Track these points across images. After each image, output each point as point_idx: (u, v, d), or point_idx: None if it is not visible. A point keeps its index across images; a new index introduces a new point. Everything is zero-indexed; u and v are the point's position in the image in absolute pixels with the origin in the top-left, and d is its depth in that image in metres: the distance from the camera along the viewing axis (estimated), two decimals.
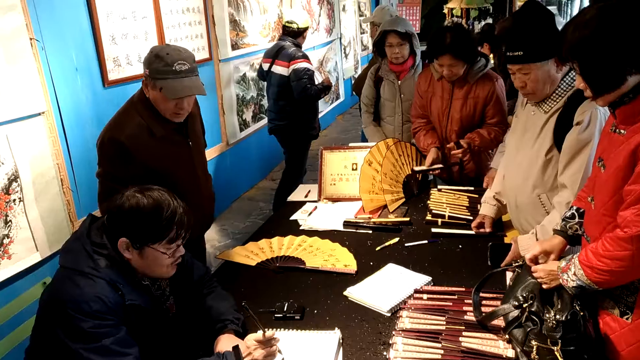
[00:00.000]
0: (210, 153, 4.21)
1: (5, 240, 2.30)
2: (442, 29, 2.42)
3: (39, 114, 2.47)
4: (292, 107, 3.83)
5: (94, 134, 2.89)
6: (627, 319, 1.27)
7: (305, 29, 3.93)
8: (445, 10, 6.94)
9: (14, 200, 2.34)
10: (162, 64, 1.76)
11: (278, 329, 1.49)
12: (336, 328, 1.48)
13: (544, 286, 1.36)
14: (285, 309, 1.58)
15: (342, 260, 1.89)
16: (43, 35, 2.50)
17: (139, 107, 1.90)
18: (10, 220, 2.32)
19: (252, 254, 2.00)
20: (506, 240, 1.98)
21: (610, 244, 1.20)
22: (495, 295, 1.56)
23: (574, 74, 1.63)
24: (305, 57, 3.80)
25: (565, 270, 1.31)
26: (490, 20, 8.10)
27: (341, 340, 1.44)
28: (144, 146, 1.84)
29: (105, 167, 1.90)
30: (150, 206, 1.30)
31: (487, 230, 2.02)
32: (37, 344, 1.38)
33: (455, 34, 2.34)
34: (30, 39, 2.40)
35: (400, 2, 10.28)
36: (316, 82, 3.80)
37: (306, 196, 2.63)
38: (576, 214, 1.45)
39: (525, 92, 1.73)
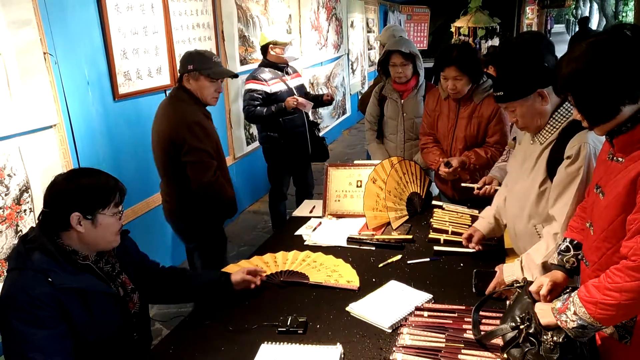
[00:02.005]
0: None
1: None
2: (450, 45, 2.53)
3: (51, 127, 2.53)
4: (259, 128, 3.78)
5: (103, 146, 2.97)
6: (625, 342, 1.28)
7: (267, 44, 3.58)
8: (453, 29, 7.01)
9: (25, 210, 2.38)
10: (205, 58, 2.38)
11: (281, 343, 1.52)
12: (338, 343, 1.49)
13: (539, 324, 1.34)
14: (288, 323, 1.60)
15: (345, 276, 1.91)
16: (56, 49, 2.57)
17: (185, 98, 2.40)
18: (21, 230, 2.37)
19: (255, 264, 2.02)
20: (507, 261, 2.00)
21: (618, 276, 1.16)
22: (495, 315, 1.57)
23: (568, 105, 1.66)
24: (254, 78, 3.55)
25: (563, 311, 1.26)
26: (497, 40, 8.16)
27: (342, 355, 1.46)
28: (207, 125, 2.42)
29: (199, 146, 2.35)
30: (90, 180, 1.46)
31: (473, 245, 1.99)
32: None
33: (461, 48, 2.44)
34: (44, 53, 2.47)
35: (409, 19, 10.41)
36: (293, 101, 3.46)
37: (311, 212, 2.66)
38: (570, 246, 1.46)
39: (519, 127, 1.78)
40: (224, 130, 4.38)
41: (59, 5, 2.61)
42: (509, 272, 1.70)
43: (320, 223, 2.47)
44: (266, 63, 3.63)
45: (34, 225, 1.49)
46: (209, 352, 1.52)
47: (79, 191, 1.42)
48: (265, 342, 1.53)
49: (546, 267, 1.59)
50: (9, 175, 2.30)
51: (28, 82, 2.37)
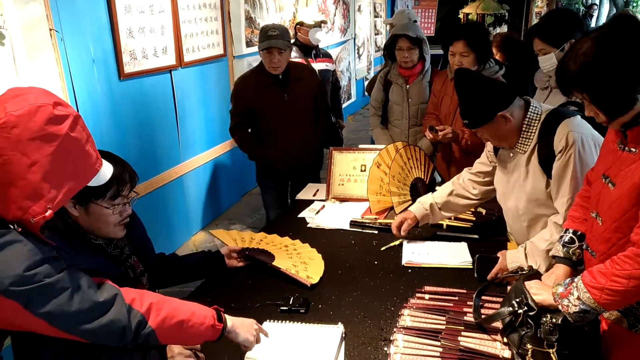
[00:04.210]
0: (222, 148, 4.27)
1: None
2: (463, 23, 2.56)
3: None
4: None
5: (108, 125, 2.97)
6: (635, 331, 1.28)
7: (296, 25, 3.84)
8: (461, 15, 6.95)
9: None
10: (262, 32, 2.76)
11: (283, 321, 1.54)
12: (339, 323, 1.51)
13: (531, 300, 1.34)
14: (290, 302, 1.62)
15: (310, 271, 1.82)
16: (62, 26, 2.56)
17: (256, 67, 2.92)
18: None
19: (240, 239, 2.04)
20: (509, 247, 2.01)
21: (627, 263, 1.16)
22: (496, 300, 1.58)
23: (532, 110, 1.67)
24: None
25: (565, 296, 1.26)
26: (505, 27, 8.08)
27: (344, 335, 1.48)
28: (243, 91, 2.88)
29: (233, 109, 2.97)
30: None
31: (402, 234, 2.01)
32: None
33: (473, 24, 2.45)
34: (50, 29, 2.46)
35: (416, 5, 10.29)
36: None
37: (314, 195, 2.67)
38: (575, 237, 1.45)
39: (495, 145, 1.83)
40: (228, 113, 4.35)
41: None
42: (512, 258, 1.70)
43: (324, 206, 2.48)
44: (294, 43, 3.72)
45: None
46: None
47: None
48: (268, 320, 1.54)
49: (549, 256, 1.59)
50: None
51: (34, 58, 2.36)
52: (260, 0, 4.69)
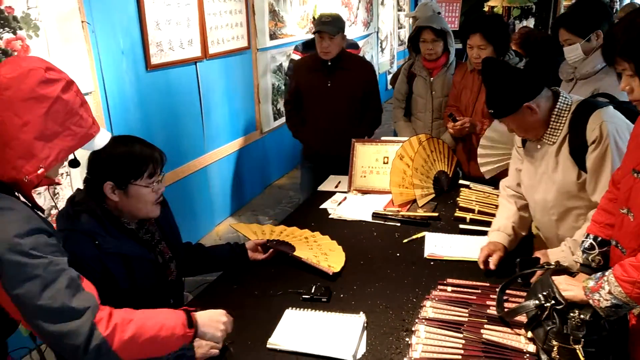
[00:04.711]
0: (245, 140, 4.31)
1: (53, 211, 2.43)
2: (479, 15, 2.55)
3: (87, 94, 2.59)
4: None
5: (135, 115, 3.03)
6: None
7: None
8: (486, 8, 6.84)
9: (62, 174, 2.47)
10: (317, 18, 2.93)
11: (305, 309, 1.56)
12: (361, 312, 1.53)
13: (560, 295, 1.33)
14: (312, 291, 1.64)
15: (330, 261, 1.83)
16: (94, 18, 2.62)
17: (315, 52, 2.98)
18: (58, 193, 2.45)
19: (260, 232, 2.05)
20: (535, 242, 1.99)
21: None
22: (520, 294, 1.57)
23: (562, 101, 1.63)
24: (295, 48, 4.02)
25: (596, 290, 1.24)
26: (532, 21, 7.92)
27: (365, 324, 1.49)
28: (296, 70, 3.16)
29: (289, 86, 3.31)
30: (124, 149, 1.47)
31: (493, 268, 1.74)
32: None
33: (490, 17, 2.44)
34: (82, 21, 2.52)
35: None
36: None
37: (336, 187, 2.68)
38: (594, 244, 1.43)
39: (520, 137, 1.79)
40: (251, 105, 4.41)
41: None
42: (556, 257, 1.65)
43: (345, 198, 2.49)
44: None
45: (79, 188, 1.53)
46: (235, 315, 1.56)
47: (111, 161, 1.43)
48: (290, 308, 1.57)
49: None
50: None
51: (67, 50, 2.42)
52: None
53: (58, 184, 1.24)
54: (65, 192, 2.49)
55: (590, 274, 1.39)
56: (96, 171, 1.45)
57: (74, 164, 1.27)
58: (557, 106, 1.65)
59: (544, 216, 1.81)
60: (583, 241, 1.47)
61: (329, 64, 2.91)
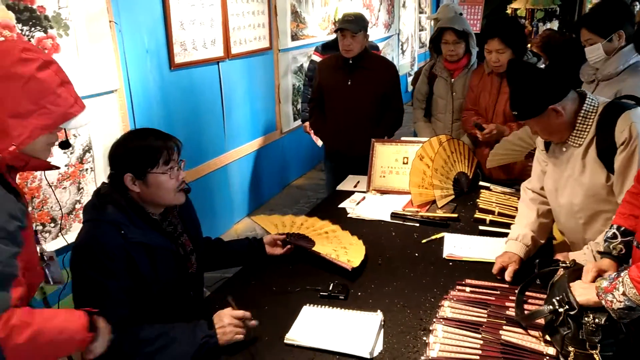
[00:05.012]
0: (265, 140, 4.35)
1: (77, 205, 2.49)
2: (496, 18, 2.55)
3: (112, 92, 2.65)
4: None
5: (158, 113, 3.08)
6: None
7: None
8: (509, 11, 6.76)
9: (87, 169, 2.53)
10: (341, 17, 3.01)
11: (322, 306, 1.57)
12: (378, 310, 1.53)
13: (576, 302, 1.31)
14: (330, 288, 1.65)
15: (350, 255, 1.83)
16: (121, 18, 2.68)
17: (337, 53, 3.02)
18: (82, 188, 2.52)
19: (281, 224, 2.07)
20: (555, 242, 1.97)
21: None
22: (540, 296, 1.56)
23: (588, 104, 1.61)
24: (316, 49, 3.99)
25: (609, 291, 1.22)
26: (556, 23, 7.80)
27: (383, 322, 1.49)
28: (320, 67, 3.16)
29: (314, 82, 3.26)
30: (138, 142, 1.51)
31: (509, 279, 1.68)
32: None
33: (506, 20, 2.45)
34: (110, 21, 2.58)
35: (462, 1, 10.08)
36: None
37: (355, 186, 2.68)
38: (618, 233, 1.41)
39: (544, 139, 1.76)
40: (272, 105, 4.45)
41: None
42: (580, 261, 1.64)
43: (364, 198, 2.50)
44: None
45: (104, 182, 1.58)
46: (253, 310, 1.58)
47: (128, 153, 1.49)
48: (307, 305, 1.58)
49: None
50: (74, 135, 2.44)
51: (94, 48, 2.48)
52: None
53: (54, 167, 1.25)
54: (89, 187, 2.55)
55: (614, 260, 1.39)
56: (116, 165, 1.50)
57: (65, 145, 1.29)
58: (584, 108, 1.62)
59: (569, 220, 1.78)
60: (606, 232, 1.47)
61: (350, 62, 2.93)
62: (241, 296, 1.63)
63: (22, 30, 2.16)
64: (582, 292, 1.30)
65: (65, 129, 1.26)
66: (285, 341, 1.42)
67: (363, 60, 2.94)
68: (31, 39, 2.20)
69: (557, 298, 1.35)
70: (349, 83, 2.95)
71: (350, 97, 2.96)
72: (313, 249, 1.86)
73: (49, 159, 1.27)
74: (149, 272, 1.47)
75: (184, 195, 1.58)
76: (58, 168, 1.30)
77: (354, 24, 2.84)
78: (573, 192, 1.71)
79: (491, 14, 10.01)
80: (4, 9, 2.07)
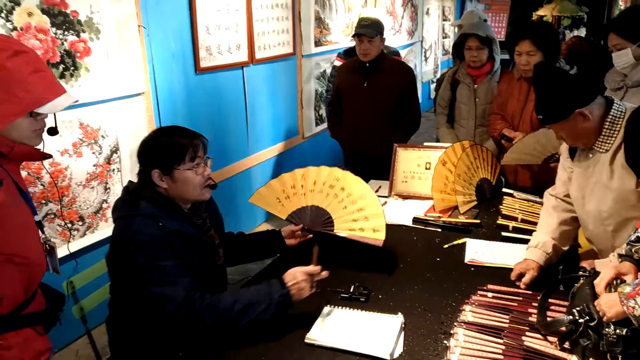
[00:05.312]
0: (287, 144, 4.38)
1: (104, 205, 2.56)
2: (528, 20, 2.51)
3: (140, 94, 2.72)
4: None
5: (183, 116, 3.14)
6: None
7: None
8: (535, 18, 6.69)
9: (113, 169, 2.59)
10: (357, 22, 3.01)
11: (343, 307, 1.58)
12: (399, 313, 1.53)
13: (604, 318, 1.28)
14: (351, 290, 1.66)
15: (372, 223, 1.82)
16: (149, 23, 2.75)
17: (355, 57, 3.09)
18: (109, 188, 2.58)
19: (283, 195, 1.97)
20: (580, 251, 1.93)
21: None
22: (564, 302, 1.53)
23: (616, 108, 1.59)
24: (338, 54, 4.07)
25: (632, 296, 1.20)
26: (583, 31, 7.68)
27: (403, 325, 1.49)
28: (339, 71, 3.30)
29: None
30: (165, 138, 1.56)
31: (523, 287, 1.66)
32: (113, 295, 1.61)
33: (539, 22, 2.40)
34: (139, 25, 2.65)
35: (487, 9, 10.01)
36: None
37: (376, 191, 2.68)
38: None
39: (569, 145, 1.73)
40: (294, 110, 4.48)
41: None
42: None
43: (386, 202, 2.50)
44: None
45: (131, 180, 1.63)
46: None
47: (155, 150, 1.54)
48: (328, 305, 1.59)
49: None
50: (102, 136, 2.51)
51: (123, 52, 2.55)
52: (330, 2, 4.78)
53: (46, 156, 1.29)
54: (116, 187, 2.61)
55: (636, 265, 1.36)
56: (144, 161, 1.55)
57: (52, 131, 1.33)
58: (611, 113, 1.60)
59: (597, 227, 1.75)
60: (630, 235, 1.44)
61: (367, 65, 2.98)
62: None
63: (55, 33, 2.23)
64: (608, 308, 1.27)
65: (55, 116, 1.30)
66: (305, 341, 1.43)
67: (380, 63, 2.99)
68: (64, 42, 2.27)
69: (578, 308, 1.34)
70: (365, 85, 3.00)
71: (367, 98, 3.01)
72: (334, 231, 1.86)
73: (53, 153, 1.31)
74: (185, 261, 1.51)
75: (209, 192, 1.62)
76: (50, 156, 1.35)
77: (370, 29, 2.89)
78: (601, 198, 1.68)
79: (516, 21, 9.93)
80: (39, 13, 2.16)
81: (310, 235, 1.95)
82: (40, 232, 1.35)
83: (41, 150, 1.31)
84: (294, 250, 1.93)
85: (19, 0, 2.08)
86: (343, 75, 3.17)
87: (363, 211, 1.88)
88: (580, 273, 1.50)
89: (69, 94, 1.27)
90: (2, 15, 2.02)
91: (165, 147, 1.53)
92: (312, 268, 1.54)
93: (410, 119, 3.07)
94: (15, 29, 2.08)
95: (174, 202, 1.56)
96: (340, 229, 1.86)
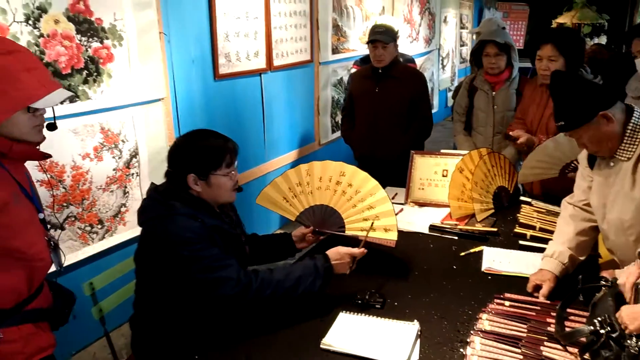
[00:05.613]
0: (303, 151, 4.40)
1: (123, 209, 2.59)
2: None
3: (159, 100, 2.76)
4: None
5: (202, 121, 3.18)
6: None
7: None
8: (554, 25, 6.63)
9: (132, 174, 2.63)
10: (371, 29, 3.07)
11: (358, 314, 1.57)
12: (415, 320, 1.52)
13: (627, 331, 1.25)
14: (367, 297, 1.66)
15: (382, 219, 1.83)
16: (170, 30, 2.80)
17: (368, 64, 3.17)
18: (128, 192, 2.62)
19: (289, 193, 1.95)
20: (601, 261, 1.90)
21: None
22: (583, 313, 1.51)
23: (638, 116, 1.56)
24: (355, 62, 4.11)
25: None
26: (604, 38, 7.59)
27: (419, 332, 1.48)
28: (352, 77, 3.40)
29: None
30: (203, 143, 1.59)
31: (542, 299, 1.63)
32: (141, 295, 1.63)
33: (565, 28, 2.37)
34: (160, 32, 2.70)
35: (505, 17, 9.96)
36: None
37: (393, 198, 2.67)
38: None
39: (591, 152, 1.69)
40: (311, 117, 4.50)
41: None
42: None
43: (402, 209, 2.49)
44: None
45: (153, 182, 1.67)
46: (289, 315, 1.60)
47: (192, 154, 1.56)
48: (343, 312, 1.59)
49: None
50: (122, 141, 2.56)
51: (145, 58, 2.60)
52: (347, 9, 4.80)
53: (45, 156, 1.33)
54: (134, 191, 2.65)
55: None
56: (178, 165, 1.58)
57: (51, 127, 1.36)
58: (632, 121, 1.57)
59: (619, 237, 1.71)
60: None
61: (380, 71, 3.03)
62: (277, 300, 1.65)
63: (80, 40, 2.29)
64: (631, 320, 1.24)
65: (53, 112, 1.33)
66: (321, 346, 1.43)
67: (392, 69, 3.04)
68: (88, 49, 2.33)
69: (599, 319, 1.31)
70: (377, 90, 3.06)
71: (377, 103, 3.06)
72: (346, 232, 1.88)
73: (56, 155, 1.36)
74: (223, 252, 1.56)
75: (235, 194, 1.66)
76: (50, 156, 1.38)
77: (384, 35, 2.94)
78: (623, 207, 1.65)
79: (535, 29, 9.85)
80: (65, 21, 2.21)
81: (322, 238, 1.96)
82: (44, 229, 1.39)
83: (40, 150, 1.34)
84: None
85: (47, 8, 2.13)
86: (356, 81, 3.25)
87: (373, 209, 1.88)
88: (602, 283, 1.47)
89: (63, 89, 1.30)
90: (30, 22, 2.08)
91: (203, 153, 1.57)
92: (356, 250, 1.68)
93: (420, 124, 3.10)
94: (42, 35, 2.13)
95: (206, 202, 1.60)
96: (351, 229, 1.86)
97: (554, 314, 1.51)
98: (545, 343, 1.40)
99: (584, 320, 1.44)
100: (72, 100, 2.28)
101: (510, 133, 2.56)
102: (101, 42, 2.38)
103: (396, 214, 2.40)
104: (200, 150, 1.57)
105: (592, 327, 1.31)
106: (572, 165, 2.19)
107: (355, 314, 1.58)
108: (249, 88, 3.57)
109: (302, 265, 1.62)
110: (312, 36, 4.25)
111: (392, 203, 2.52)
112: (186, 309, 1.56)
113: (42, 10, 2.12)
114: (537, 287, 1.68)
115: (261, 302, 1.53)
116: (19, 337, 1.30)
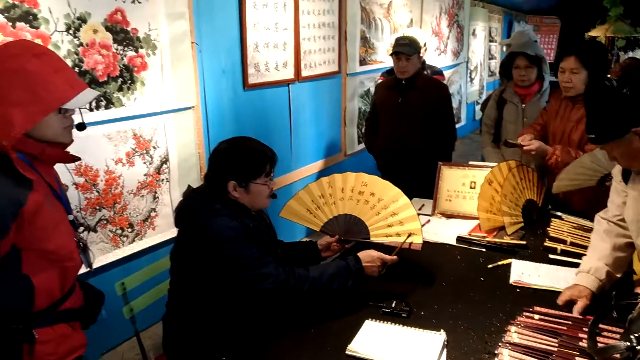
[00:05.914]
0: (329, 162, 4.41)
1: (152, 213, 2.65)
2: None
3: (190, 108, 2.82)
4: None
5: (231, 130, 3.23)
6: None
7: None
8: (587, 38, 6.52)
9: (163, 179, 2.69)
10: (395, 41, 3.10)
11: (384, 322, 1.56)
12: (442, 330, 1.50)
13: None
14: (393, 306, 1.65)
15: (407, 224, 1.85)
16: (202, 40, 2.87)
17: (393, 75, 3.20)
18: (158, 197, 2.67)
19: (312, 205, 1.97)
20: (635, 277, 1.85)
21: None
22: (617, 330, 1.47)
23: None
24: (381, 74, 4.04)
25: None
26: (639, 52, 7.42)
27: (446, 342, 1.46)
28: (377, 87, 3.41)
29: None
30: (246, 151, 1.63)
31: (576, 314, 1.58)
32: (175, 294, 1.66)
33: (588, 40, 2.32)
34: (192, 42, 2.76)
35: (536, 30, 9.84)
36: None
37: (419, 209, 2.66)
38: None
39: (623, 166, 1.66)
40: (338, 127, 4.52)
41: (208, 1, 2.91)
42: None
43: (429, 221, 2.47)
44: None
45: (190, 184, 1.73)
46: (316, 321, 1.60)
47: (234, 162, 1.61)
48: (369, 319, 1.58)
49: None
50: (153, 147, 2.62)
51: (177, 67, 2.67)
52: (375, 22, 4.83)
53: (75, 159, 1.35)
54: (164, 197, 2.71)
55: None
56: (219, 170, 1.62)
57: (81, 127, 1.38)
58: None
59: None
60: None
61: (403, 82, 3.06)
62: (304, 307, 1.66)
63: (117, 49, 2.37)
64: None
65: (81, 113, 1.37)
66: (347, 352, 1.43)
67: (415, 81, 3.06)
68: (124, 57, 2.40)
69: (636, 335, 1.27)
70: (399, 101, 3.09)
71: (399, 113, 3.09)
72: (371, 239, 1.89)
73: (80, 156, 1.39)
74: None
75: (270, 200, 1.71)
76: (79, 159, 1.41)
77: (408, 47, 2.97)
78: None
79: (565, 41, 9.70)
80: (103, 31, 2.30)
81: (348, 246, 1.96)
82: (74, 230, 1.42)
83: (70, 153, 1.38)
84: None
85: (86, 18, 2.22)
86: (380, 92, 3.29)
87: (397, 215, 1.89)
88: (639, 300, 1.43)
89: (90, 89, 1.33)
90: (70, 31, 2.17)
91: (245, 162, 1.61)
92: (388, 257, 1.72)
93: (443, 135, 3.10)
94: (81, 44, 2.22)
95: (244, 206, 1.64)
96: (377, 236, 1.88)
97: (585, 329, 1.47)
98: (577, 358, 1.36)
99: (617, 336, 1.40)
100: (106, 106, 2.36)
101: (519, 139, 2.51)
102: (136, 51, 2.46)
103: (422, 225, 2.40)
104: (242, 159, 1.61)
105: (628, 343, 1.27)
106: (611, 176, 2.14)
107: (382, 322, 1.57)
108: (277, 98, 3.62)
109: (335, 265, 1.67)
110: (340, 48, 4.28)
111: (419, 214, 2.54)
112: (220, 309, 1.59)
113: (82, 20, 2.21)
114: (570, 302, 1.64)
115: (299, 296, 1.59)
116: (53, 338, 1.33)
